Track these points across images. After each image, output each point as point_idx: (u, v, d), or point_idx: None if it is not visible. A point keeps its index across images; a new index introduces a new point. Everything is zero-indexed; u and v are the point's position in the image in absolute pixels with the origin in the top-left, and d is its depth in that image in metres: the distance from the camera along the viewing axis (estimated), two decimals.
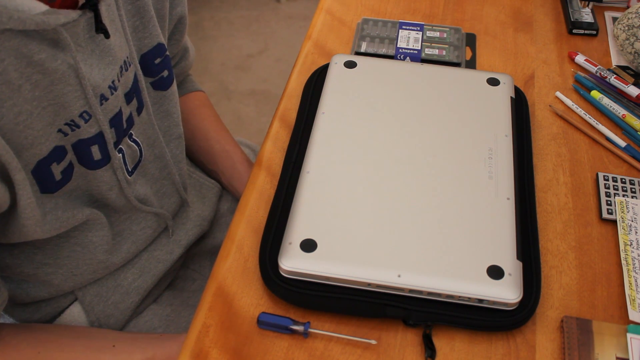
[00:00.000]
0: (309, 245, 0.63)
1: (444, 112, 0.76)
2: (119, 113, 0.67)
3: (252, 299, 0.64)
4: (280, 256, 0.63)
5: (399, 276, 0.61)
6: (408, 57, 0.89)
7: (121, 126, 0.68)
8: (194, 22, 2.31)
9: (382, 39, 0.91)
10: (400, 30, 0.92)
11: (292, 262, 0.62)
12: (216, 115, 0.96)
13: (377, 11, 0.99)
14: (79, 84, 0.60)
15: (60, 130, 0.61)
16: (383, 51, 0.90)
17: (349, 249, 0.63)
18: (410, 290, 0.61)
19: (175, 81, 0.79)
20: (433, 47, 0.90)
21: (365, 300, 0.62)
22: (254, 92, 2.08)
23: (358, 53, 0.89)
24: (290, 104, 0.84)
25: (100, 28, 0.61)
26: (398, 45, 0.90)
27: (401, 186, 0.68)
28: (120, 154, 0.69)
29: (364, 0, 1.00)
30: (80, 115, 0.62)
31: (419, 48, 0.90)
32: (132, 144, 0.72)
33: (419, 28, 0.93)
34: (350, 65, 0.82)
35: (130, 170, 0.72)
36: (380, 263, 0.62)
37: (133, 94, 0.70)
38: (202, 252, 0.92)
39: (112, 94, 0.65)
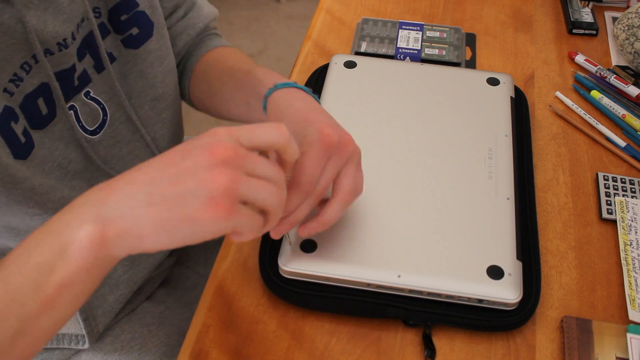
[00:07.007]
0: (308, 246, 0.63)
1: (444, 112, 0.76)
2: (70, 69, 0.65)
3: (252, 299, 0.64)
4: (280, 257, 0.63)
5: (398, 276, 0.61)
6: (408, 57, 0.89)
7: (71, 82, 0.66)
8: None
9: (382, 39, 0.91)
10: (400, 30, 0.92)
11: (292, 262, 0.62)
12: (241, 55, 0.83)
13: (377, 11, 0.98)
14: (25, 37, 0.59)
15: (6, 90, 0.59)
16: (383, 51, 0.90)
17: (349, 249, 0.63)
18: (410, 291, 0.61)
19: (153, 40, 0.73)
20: (433, 47, 0.90)
21: (365, 301, 0.62)
22: None
23: (358, 53, 0.89)
24: None
25: None
26: (398, 45, 0.90)
27: (401, 186, 0.68)
28: (72, 111, 0.67)
29: (364, 0, 1.00)
30: (22, 67, 0.60)
31: (419, 48, 0.90)
32: (90, 101, 0.69)
33: (418, 28, 0.93)
34: (350, 65, 0.82)
35: (91, 130, 0.70)
36: (380, 263, 0.62)
37: (85, 50, 0.67)
38: (195, 249, 0.92)
39: (60, 50, 0.63)
